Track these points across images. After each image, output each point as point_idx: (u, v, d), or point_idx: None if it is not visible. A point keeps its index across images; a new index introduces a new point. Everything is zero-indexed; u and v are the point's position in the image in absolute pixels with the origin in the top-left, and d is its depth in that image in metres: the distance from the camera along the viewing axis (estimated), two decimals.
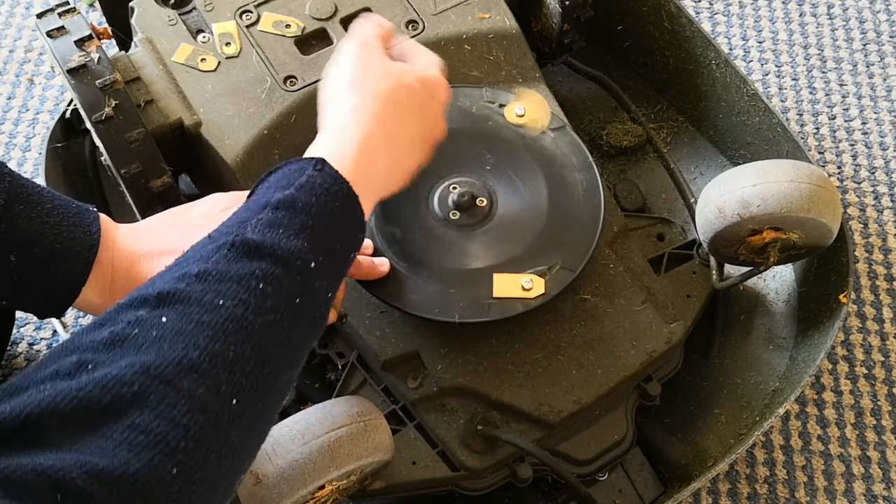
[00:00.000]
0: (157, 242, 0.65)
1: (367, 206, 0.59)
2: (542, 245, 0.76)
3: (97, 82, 0.74)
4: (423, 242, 0.76)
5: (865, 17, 1.24)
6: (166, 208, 0.78)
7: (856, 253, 1.05)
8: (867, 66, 1.20)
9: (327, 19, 0.84)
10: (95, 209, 0.65)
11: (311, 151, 0.60)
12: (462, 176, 0.79)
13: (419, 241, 0.76)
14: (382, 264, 0.74)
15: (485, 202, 0.78)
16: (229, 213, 0.60)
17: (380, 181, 0.61)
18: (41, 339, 0.99)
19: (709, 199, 0.80)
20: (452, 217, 0.77)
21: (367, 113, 0.62)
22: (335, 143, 0.60)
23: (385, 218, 0.77)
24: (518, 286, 0.74)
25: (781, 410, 0.78)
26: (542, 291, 0.74)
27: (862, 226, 1.08)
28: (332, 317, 0.71)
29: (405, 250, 0.75)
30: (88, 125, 0.76)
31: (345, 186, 0.56)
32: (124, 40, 0.92)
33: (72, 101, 0.79)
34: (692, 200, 0.95)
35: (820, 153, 1.13)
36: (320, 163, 0.56)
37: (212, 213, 0.67)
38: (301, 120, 0.80)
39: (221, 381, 0.46)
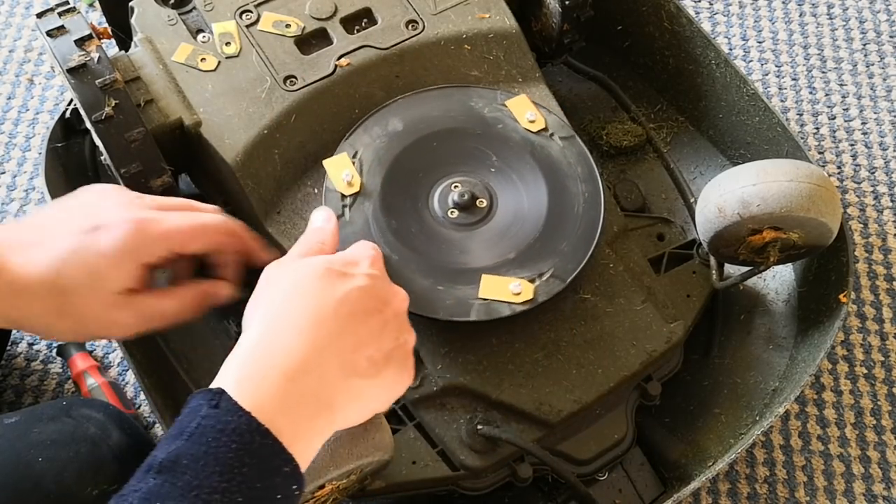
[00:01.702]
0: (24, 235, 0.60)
1: (304, 439, 0.50)
2: (537, 251, 0.76)
3: (97, 82, 0.74)
4: (418, 237, 0.76)
5: (865, 17, 1.24)
6: None
7: (856, 253, 1.05)
8: (867, 66, 1.20)
9: (327, 19, 0.84)
10: None
11: (218, 377, 0.52)
12: (465, 175, 0.79)
13: (414, 235, 0.76)
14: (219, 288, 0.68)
15: (485, 203, 0.78)
16: (106, 202, 0.55)
17: (323, 410, 0.52)
18: (41, 338, 0.99)
19: (709, 198, 0.80)
20: (451, 215, 0.77)
21: (294, 321, 0.53)
22: (244, 365, 0.51)
23: (383, 208, 0.76)
24: (506, 289, 0.74)
25: (781, 410, 0.78)
26: (531, 297, 0.74)
27: (862, 226, 1.08)
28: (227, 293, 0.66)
29: (399, 242, 0.75)
30: (88, 125, 0.76)
31: (246, 422, 0.48)
32: (124, 40, 0.92)
33: (72, 100, 0.79)
34: (692, 200, 0.95)
35: (820, 153, 1.13)
36: (217, 396, 0.49)
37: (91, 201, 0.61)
38: (301, 120, 0.80)
39: None
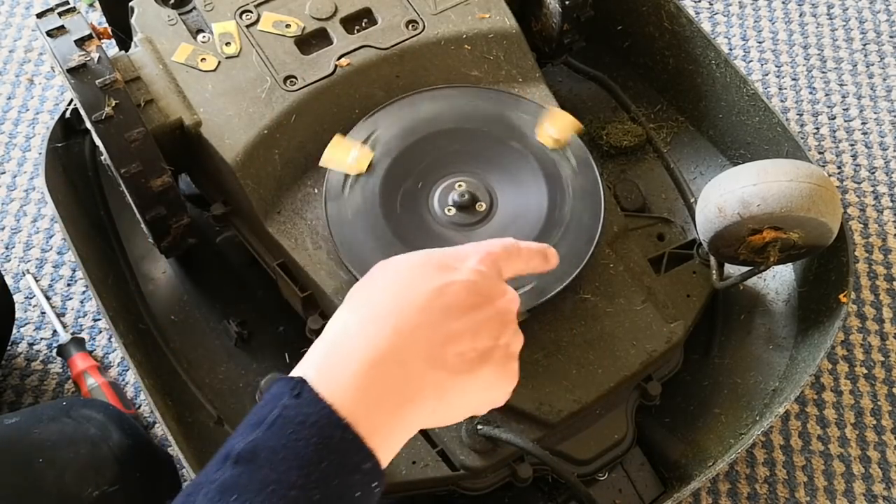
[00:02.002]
0: None
1: (385, 434, 0.48)
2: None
3: (97, 82, 0.74)
4: (425, 242, 0.76)
5: (865, 17, 1.25)
6: (167, 208, 0.78)
7: (856, 253, 1.05)
8: (867, 66, 1.20)
9: (327, 19, 0.84)
10: None
11: (301, 363, 0.50)
12: (463, 175, 0.79)
13: (421, 241, 0.76)
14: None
15: (485, 203, 0.78)
16: None
17: (406, 402, 0.49)
18: (41, 339, 0.99)
19: (709, 198, 0.80)
20: (452, 215, 0.77)
21: (383, 310, 0.51)
22: (328, 353, 0.50)
23: (386, 218, 0.76)
24: (545, 136, 0.79)
25: (781, 410, 0.78)
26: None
27: (862, 226, 1.08)
28: None
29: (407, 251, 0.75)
30: (88, 125, 0.76)
31: (326, 415, 0.46)
32: (124, 40, 0.92)
33: (72, 100, 0.79)
34: (692, 200, 0.95)
35: (820, 153, 1.13)
36: (298, 385, 0.47)
37: None
38: (301, 120, 0.80)
39: None
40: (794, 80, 1.19)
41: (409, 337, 0.50)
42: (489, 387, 0.54)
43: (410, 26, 0.85)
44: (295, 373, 0.49)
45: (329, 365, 0.49)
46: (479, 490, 0.77)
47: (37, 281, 1.02)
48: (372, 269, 0.56)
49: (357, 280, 0.73)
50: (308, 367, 0.49)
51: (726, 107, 0.96)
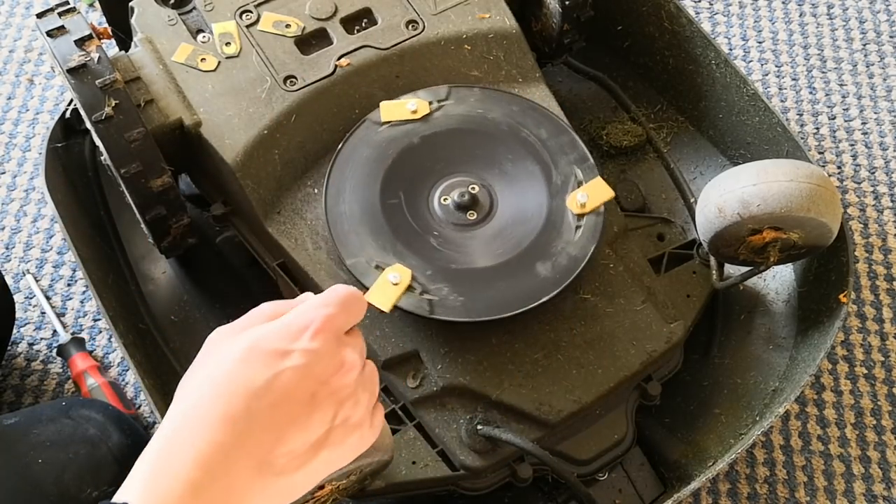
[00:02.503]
0: None
1: None
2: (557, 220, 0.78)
3: (97, 82, 0.74)
4: (426, 243, 0.76)
5: (865, 17, 1.24)
6: (167, 208, 0.78)
7: (856, 253, 1.05)
8: (867, 66, 1.20)
9: (327, 19, 0.84)
10: None
11: (128, 480, 0.48)
12: (463, 175, 0.79)
13: (421, 241, 0.76)
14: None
15: (485, 203, 0.78)
16: None
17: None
18: (41, 339, 0.99)
19: (709, 198, 0.80)
20: (452, 215, 0.77)
21: (209, 414, 0.48)
22: (153, 470, 0.47)
23: (386, 219, 0.76)
24: (574, 202, 0.77)
25: (781, 410, 0.78)
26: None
27: (862, 226, 1.08)
28: None
29: (429, 264, 0.75)
30: (88, 125, 0.76)
31: None
32: (124, 40, 0.92)
33: (72, 100, 0.79)
34: (692, 200, 0.95)
35: (820, 153, 1.13)
36: None
37: None
38: (301, 120, 0.80)
39: None
40: (794, 80, 1.19)
41: (235, 448, 0.47)
42: (328, 465, 0.52)
43: (410, 26, 0.85)
44: (120, 494, 0.47)
45: (154, 486, 0.47)
46: (479, 490, 0.77)
47: (37, 281, 1.02)
48: (206, 348, 0.54)
49: (355, 280, 0.74)
50: (133, 489, 0.47)
51: (726, 107, 0.96)
